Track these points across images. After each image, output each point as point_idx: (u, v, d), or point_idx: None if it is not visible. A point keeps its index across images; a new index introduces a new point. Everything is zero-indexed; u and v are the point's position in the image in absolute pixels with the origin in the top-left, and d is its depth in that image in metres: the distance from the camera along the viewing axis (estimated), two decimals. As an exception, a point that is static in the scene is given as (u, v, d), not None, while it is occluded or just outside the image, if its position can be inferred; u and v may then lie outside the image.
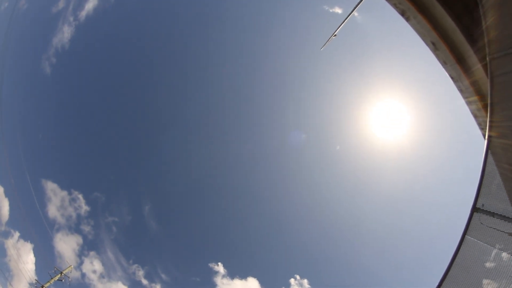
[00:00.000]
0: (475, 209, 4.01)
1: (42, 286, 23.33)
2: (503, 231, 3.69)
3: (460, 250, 4.00)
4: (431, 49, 7.20)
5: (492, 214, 3.86)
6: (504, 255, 3.62)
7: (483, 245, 3.88)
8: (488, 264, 3.74)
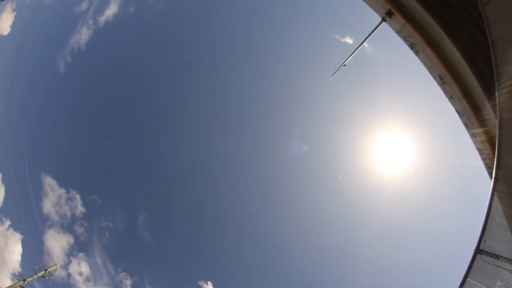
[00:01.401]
0: (478, 250, 3.79)
1: (24, 280, 22.59)
2: (507, 269, 3.50)
3: None
4: (438, 83, 7.16)
5: (497, 257, 3.64)
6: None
7: (483, 288, 3.66)
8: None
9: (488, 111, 6.43)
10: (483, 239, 3.65)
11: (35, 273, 23.72)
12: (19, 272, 23.68)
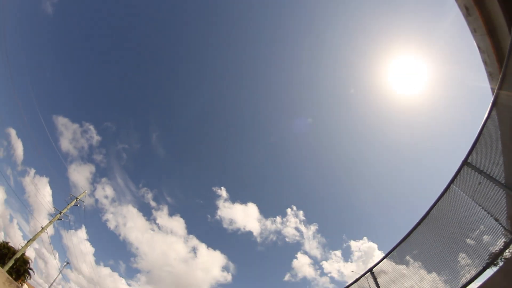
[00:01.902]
0: (466, 163, 3.98)
1: (60, 213, 24.76)
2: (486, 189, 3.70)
3: (444, 195, 4.06)
4: (463, 14, 6.78)
5: (480, 172, 3.82)
6: (480, 211, 3.64)
7: (465, 197, 3.90)
8: (464, 214, 3.78)
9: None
10: (472, 153, 3.82)
11: (68, 204, 25.89)
12: (54, 208, 25.54)
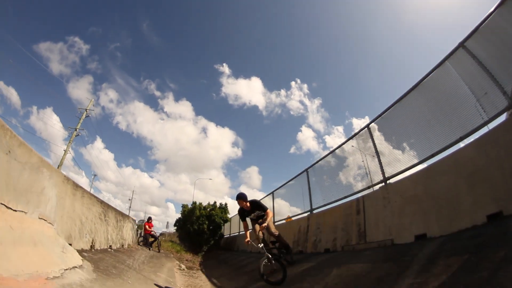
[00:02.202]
0: (462, 45, 4.17)
1: (76, 129, 25.42)
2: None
3: (437, 69, 4.37)
4: None
5: (473, 57, 4.03)
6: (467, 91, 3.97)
7: (456, 76, 4.18)
8: (452, 90, 4.13)
9: None
10: (470, 38, 4.00)
11: (79, 119, 26.05)
12: (69, 127, 25.96)
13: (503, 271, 2.04)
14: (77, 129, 25.69)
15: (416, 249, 3.50)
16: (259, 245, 5.32)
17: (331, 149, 7.85)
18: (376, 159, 5.62)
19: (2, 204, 3.15)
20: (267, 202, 13.87)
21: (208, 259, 15.66)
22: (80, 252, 4.83)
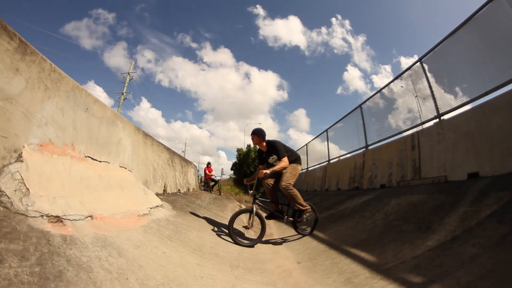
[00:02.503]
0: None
1: (122, 94, 26.81)
2: None
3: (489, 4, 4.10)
4: None
5: None
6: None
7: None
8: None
9: None
10: None
11: (124, 82, 26.95)
12: (115, 93, 27.42)
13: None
14: (124, 93, 26.92)
15: (469, 185, 3.79)
16: (250, 191, 4.72)
17: (383, 85, 7.82)
18: (428, 100, 5.64)
19: (88, 156, 3.54)
20: (316, 144, 14.04)
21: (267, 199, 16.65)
22: (156, 195, 5.44)
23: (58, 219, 2.15)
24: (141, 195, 4.53)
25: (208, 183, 15.46)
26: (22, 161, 2.34)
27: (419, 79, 6.00)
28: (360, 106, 8.87)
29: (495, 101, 3.99)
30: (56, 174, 2.67)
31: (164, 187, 7.22)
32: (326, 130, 12.08)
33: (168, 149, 8.66)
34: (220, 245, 3.77)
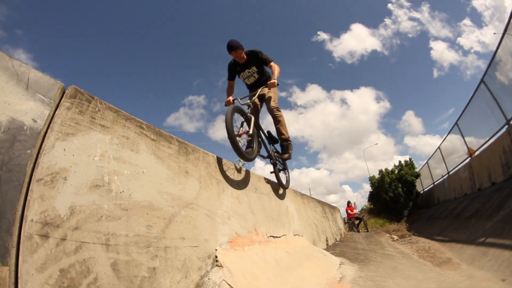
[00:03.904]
0: None
1: (240, 161, 28.78)
2: None
3: None
4: None
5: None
6: None
7: None
8: None
9: None
10: None
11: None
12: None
13: None
14: (240, 161, 29.51)
15: None
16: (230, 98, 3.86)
17: (496, 46, 6.82)
18: None
19: (271, 236, 3.55)
20: (448, 141, 12.88)
21: (414, 222, 15.56)
22: (326, 251, 5.45)
23: None
24: (323, 258, 4.56)
25: (353, 222, 15.36)
26: (220, 266, 2.22)
27: None
28: (482, 80, 7.94)
29: None
30: (257, 267, 2.61)
31: (326, 240, 7.30)
32: (456, 123, 11.18)
33: (318, 201, 8.50)
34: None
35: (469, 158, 10.29)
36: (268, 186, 4.28)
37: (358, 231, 14.36)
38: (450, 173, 12.81)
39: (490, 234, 4.93)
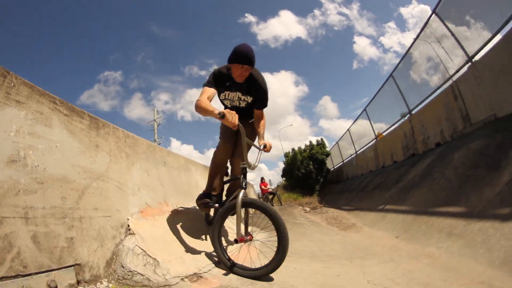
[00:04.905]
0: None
1: (155, 141, 28.82)
2: None
3: None
4: None
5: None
6: None
7: None
8: None
9: None
10: None
11: (153, 130, 29.78)
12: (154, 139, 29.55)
13: None
14: (156, 140, 28.89)
15: None
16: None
17: (407, 49, 8.06)
18: (455, 47, 5.79)
19: (181, 207, 3.57)
20: (360, 125, 14.44)
21: (325, 195, 17.02)
22: None
23: (197, 276, 2.17)
24: (233, 227, 4.64)
25: (267, 197, 16.11)
26: (133, 233, 2.33)
27: (437, 28, 6.21)
28: (391, 75, 9.16)
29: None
30: (167, 234, 2.75)
31: None
32: (365, 109, 12.43)
33: None
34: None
35: (375, 140, 11.83)
36: (178, 161, 4.43)
37: (272, 205, 15.02)
38: (358, 152, 14.32)
39: (388, 202, 5.69)
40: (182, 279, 2.05)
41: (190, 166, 4.92)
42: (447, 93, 6.22)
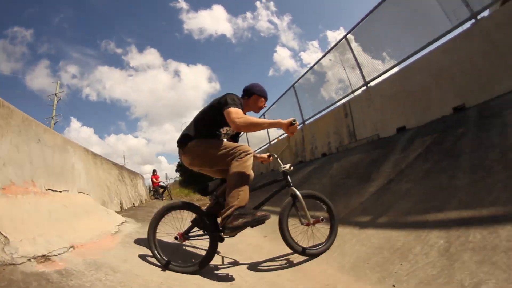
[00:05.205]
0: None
1: (52, 118, 25.33)
2: None
3: None
4: None
5: None
6: None
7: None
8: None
9: None
10: None
11: (53, 105, 25.58)
12: (44, 119, 25.39)
13: (461, 141, 2.97)
14: (54, 117, 25.09)
15: (398, 137, 4.45)
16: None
17: (313, 63, 8.48)
18: (356, 69, 6.20)
19: (49, 189, 3.49)
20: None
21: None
22: (116, 213, 5.36)
23: (45, 258, 2.16)
24: (106, 215, 4.60)
25: (157, 191, 15.53)
26: None
27: (346, 51, 6.62)
28: (293, 85, 9.48)
29: (416, 64, 4.64)
30: (27, 214, 2.66)
31: (120, 203, 7.21)
32: (263, 114, 12.74)
33: (116, 164, 8.58)
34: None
35: (268, 144, 12.58)
36: (54, 139, 4.07)
37: (162, 199, 14.63)
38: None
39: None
40: (29, 259, 2.03)
41: (68, 147, 4.60)
42: (339, 110, 6.71)
